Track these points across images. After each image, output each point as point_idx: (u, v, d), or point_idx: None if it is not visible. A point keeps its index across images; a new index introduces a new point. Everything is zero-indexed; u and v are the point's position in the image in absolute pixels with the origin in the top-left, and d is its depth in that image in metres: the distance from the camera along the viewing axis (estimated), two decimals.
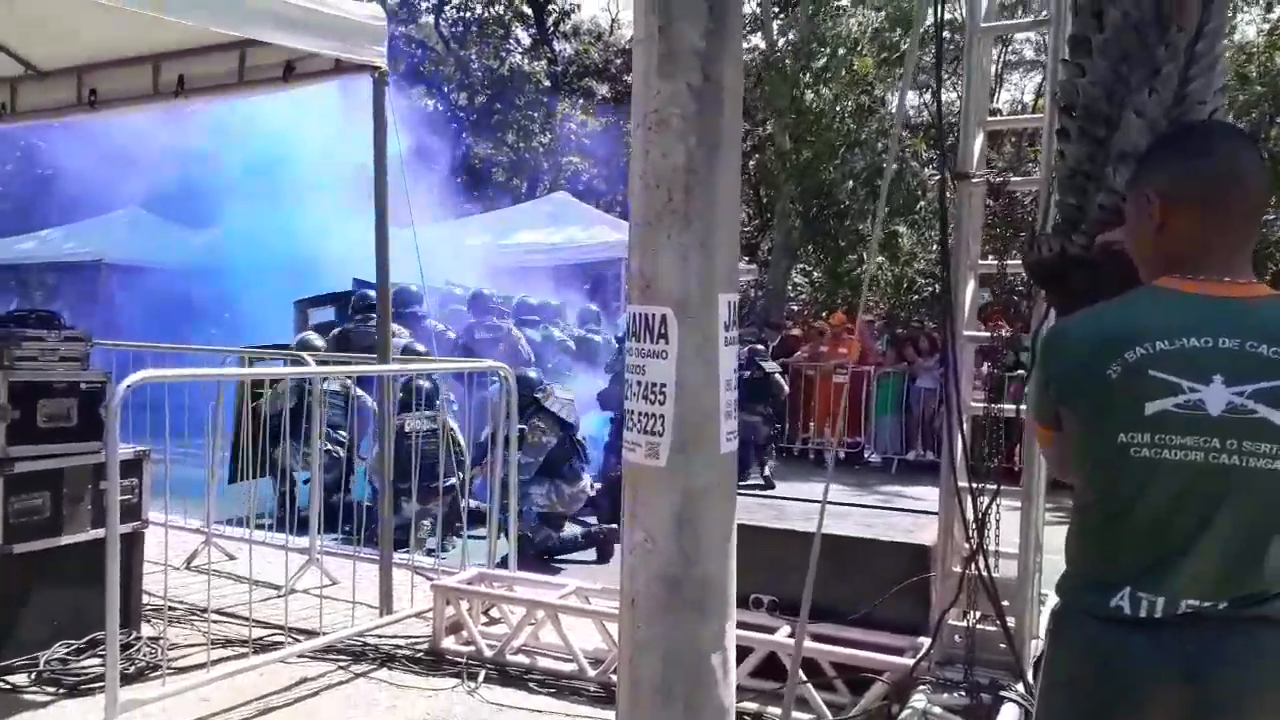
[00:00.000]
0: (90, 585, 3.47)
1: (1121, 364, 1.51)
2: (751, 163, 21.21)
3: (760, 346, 11.29)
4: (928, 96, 19.38)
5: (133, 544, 4.12)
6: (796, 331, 12.93)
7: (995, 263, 3.11)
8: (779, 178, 18.35)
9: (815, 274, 21.12)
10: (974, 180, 3.07)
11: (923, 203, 16.42)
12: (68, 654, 3.89)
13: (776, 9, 19.80)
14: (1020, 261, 2.42)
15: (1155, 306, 1.57)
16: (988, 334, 3.16)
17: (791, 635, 3.78)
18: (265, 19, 3.87)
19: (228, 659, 3.93)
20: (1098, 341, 1.56)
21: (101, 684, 3.28)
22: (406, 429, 5.53)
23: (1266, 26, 18.16)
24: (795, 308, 20.22)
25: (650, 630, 2.50)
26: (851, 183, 16.71)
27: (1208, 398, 1.47)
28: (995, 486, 3.04)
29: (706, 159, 2.40)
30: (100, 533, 3.66)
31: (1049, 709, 1.67)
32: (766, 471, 10.00)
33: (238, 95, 4.73)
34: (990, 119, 3.24)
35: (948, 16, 2.72)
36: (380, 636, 4.35)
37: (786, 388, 10.87)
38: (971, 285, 3.22)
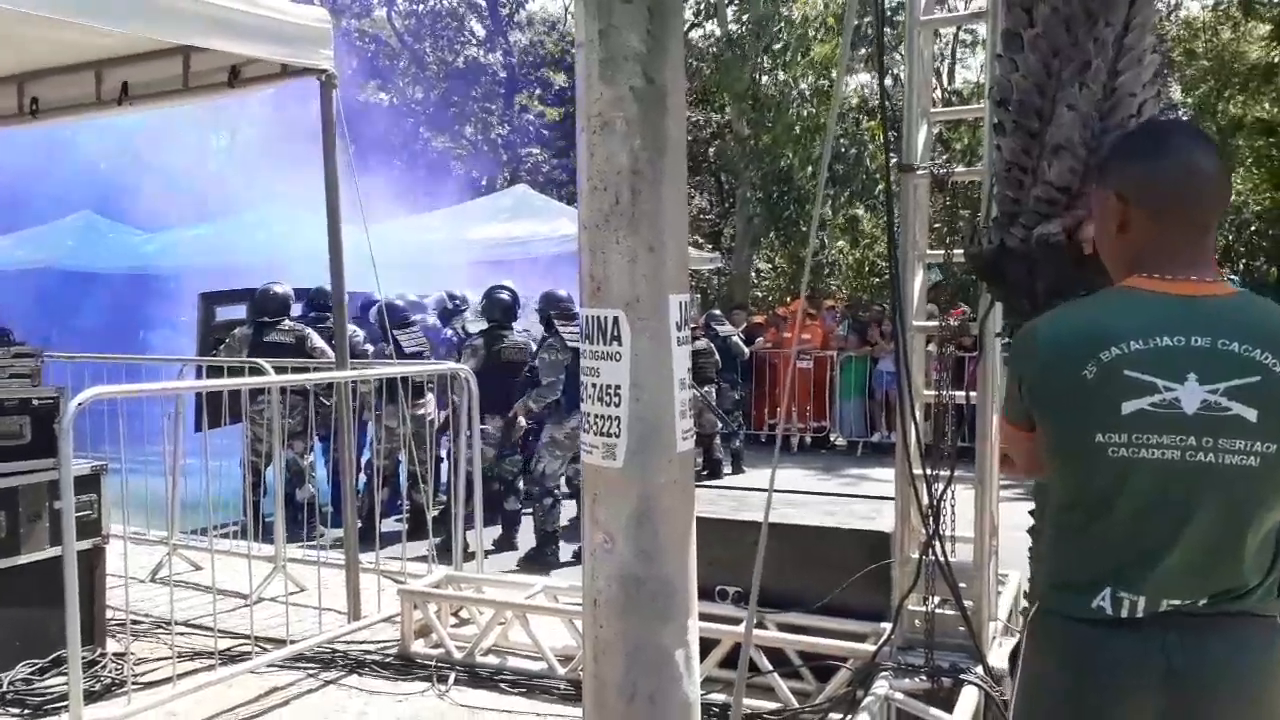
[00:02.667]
0: (52, 603, 3.44)
1: (1097, 364, 1.51)
2: (711, 149, 21.24)
3: (717, 313, 11.38)
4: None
5: (94, 560, 4.07)
6: (759, 318, 13.00)
7: (943, 253, 3.15)
8: (738, 164, 18.39)
9: (778, 259, 21.22)
10: (918, 172, 3.10)
11: (881, 186, 16.53)
12: (31, 674, 3.84)
13: None
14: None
15: (1127, 306, 1.57)
16: (936, 323, 3.20)
17: (756, 626, 3.82)
18: (207, 25, 3.82)
19: (195, 671, 3.91)
20: (1071, 342, 1.55)
21: (66, 703, 3.26)
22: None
23: (1211, 2, 18.41)
24: (759, 294, 20.32)
25: (612, 629, 2.52)
26: (811, 168, 16.75)
27: (1183, 396, 1.47)
28: (949, 473, 3.08)
29: (652, 161, 2.42)
30: (59, 550, 3.61)
31: (1031, 714, 1.68)
32: (736, 444, 10.07)
33: (183, 101, 4.67)
34: (934, 110, 3.28)
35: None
36: (349, 642, 4.34)
37: (746, 351, 10.95)
38: (920, 275, 3.26)
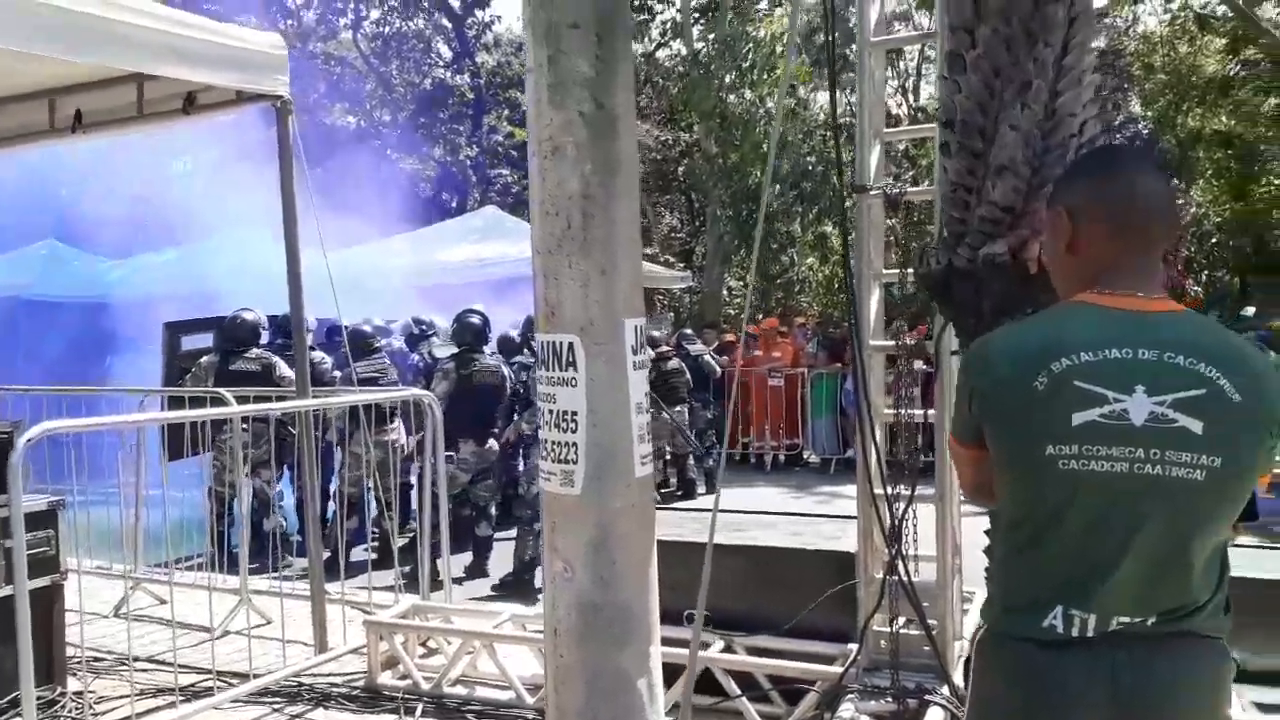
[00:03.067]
0: (8, 642, 3.36)
1: (1048, 375, 1.51)
2: (680, 168, 21.33)
3: (688, 331, 11.40)
4: (852, 96, 19.57)
5: (52, 596, 3.99)
6: (730, 336, 13.02)
7: (898, 272, 3.16)
8: (707, 182, 18.47)
9: (748, 277, 21.29)
10: (872, 192, 3.12)
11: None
12: None
13: (696, 15, 19.91)
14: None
15: (1077, 320, 1.58)
16: (894, 342, 3.21)
17: (725, 650, 3.81)
18: (160, 52, 3.78)
19: (157, 709, 3.83)
20: (1022, 355, 1.56)
21: None
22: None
23: (1167, 17, 18.75)
24: (731, 311, 20.37)
25: (572, 658, 2.50)
26: (778, 186, 16.85)
27: (1131, 408, 1.48)
28: (910, 491, 3.08)
29: (603, 185, 2.42)
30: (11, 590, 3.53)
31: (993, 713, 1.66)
32: (710, 463, 10.06)
33: (138, 129, 4.62)
34: (887, 130, 3.29)
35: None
36: (315, 675, 4.27)
37: (718, 369, 10.97)
38: (876, 295, 3.27)
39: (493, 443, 6.65)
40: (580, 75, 2.39)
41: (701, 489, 9.96)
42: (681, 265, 20.10)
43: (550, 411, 2.49)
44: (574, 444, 2.47)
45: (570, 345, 2.44)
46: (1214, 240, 17.83)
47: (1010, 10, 2.14)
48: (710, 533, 2.21)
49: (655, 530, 2.61)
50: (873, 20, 3.14)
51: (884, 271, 3.29)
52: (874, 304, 3.28)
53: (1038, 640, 1.54)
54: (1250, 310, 10.80)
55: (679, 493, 9.80)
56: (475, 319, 6.90)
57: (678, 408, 9.76)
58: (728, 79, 18.48)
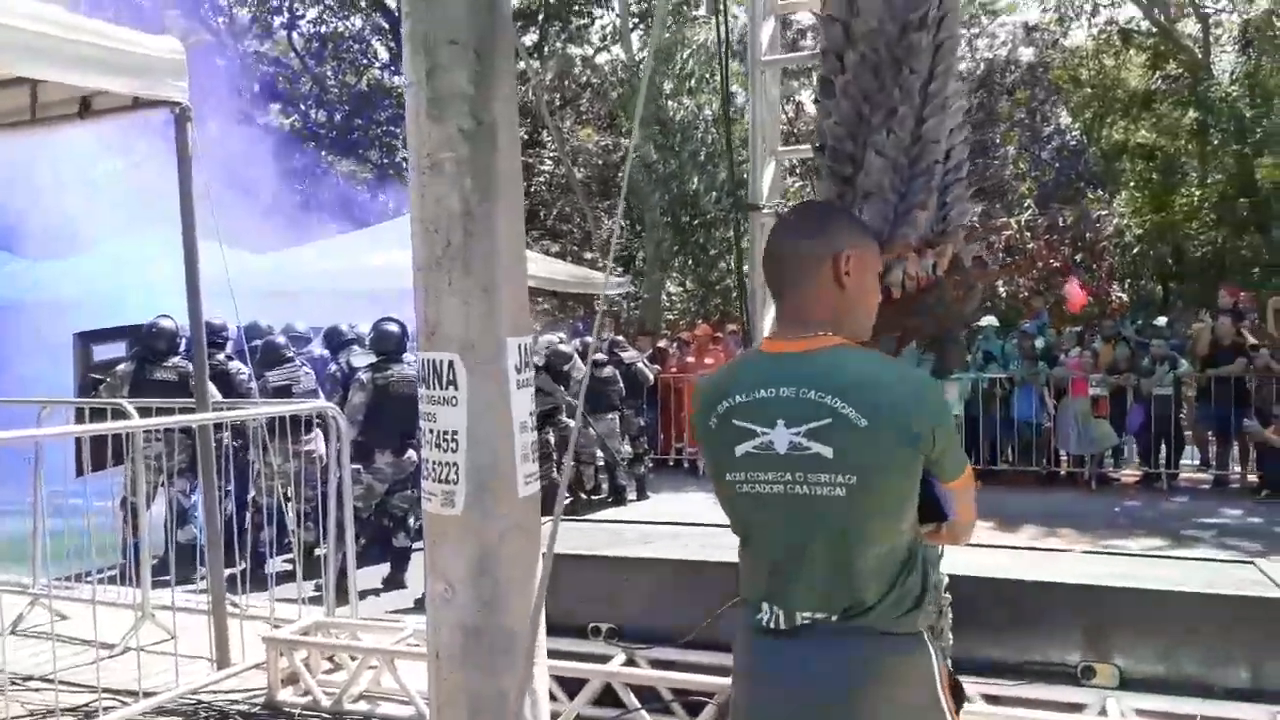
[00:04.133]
0: None
1: (717, 415, 1.79)
2: (620, 174, 21.36)
3: (620, 339, 11.42)
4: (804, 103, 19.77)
5: None
6: (663, 344, 13.06)
7: None
8: (645, 188, 18.51)
9: (687, 283, 21.39)
10: (764, 211, 3.14)
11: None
12: None
13: (636, 20, 19.94)
14: None
15: (744, 365, 1.88)
16: None
17: (627, 664, 3.80)
18: (49, 58, 3.67)
19: None
20: (704, 396, 1.85)
21: None
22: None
23: (1095, 31, 19.22)
24: (671, 317, 20.44)
25: (455, 680, 2.48)
26: (715, 193, 16.95)
27: (775, 439, 1.72)
28: None
29: (484, 202, 2.40)
30: None
31: (732, 699, 1.94)
32: (641, 470, 10.12)
33: (32, 132, 4.49)
34: (782, 149, 3.32)
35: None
36: (214, 693, 4.19)
37: (651, 376, 10.99)
38: (772, 310, 3.29)
39: (411, 453, 6.57)
40: (458, 90, 2.37)
41: (631, 495, 9.97)
42: (620, 270, 20.10)
43: (431, 431, 2.47)
44: (454, 464, 2.45)
45: (450, 364, 2.42)
46: (1135, 250, 18.29)
47: (877, 37, 2.16)
48: (550, 544, 2.22)
49: (541, 548, 2.59)
50: (765, 40, 3.16)
51: None
52: (769, 319, 3.30)
53: (756, 628, 1.79)
54: (1162, 320, 11.10)
55: (609, 499, 9.80)
56: (394, 327, 6.83)
57: (610, 414, 9.76)
58: (667, 86, 18.55)
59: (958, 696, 1.89)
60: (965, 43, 21.27)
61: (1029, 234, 18.22)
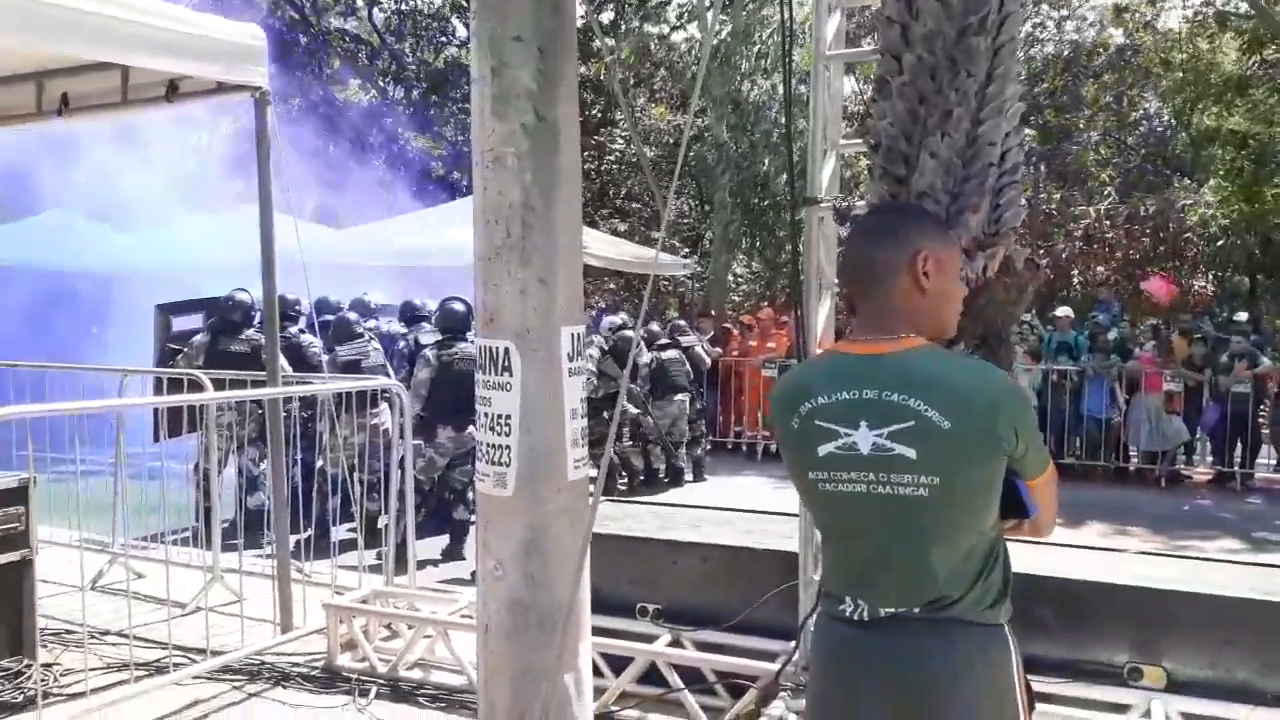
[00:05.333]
0: None
1: (799, 416, 1.82)
2: (691, 153, 21.30)
3: (681, 322, 11.48)
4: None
5: (22, 571, 4.10)
6: (727, 325, 13.07)
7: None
8: (715, 169, 18.45)
9: (754, 265, 21.31)
10: (822, 205, 3.16)
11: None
12: None
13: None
14: None
15: (824, 366, 1.91)
16: None
17: (672, 644, 3.88)
18: (141, 44, 3.86)
19: (121, 683, 3.93)
20: (784, 398, 1.88)
21: None
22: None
23: (1189, 13, 18.54)
24: (736, 298, 20.39)
25: (501, 654, 2.57)
26: (786, 174, 16.81)
27: (858, 440, 1.75)
28: None
29: (543, 196, 2.47)
30: None
31: (809, 685, 2.02)
32: (699, 453, 10.17)
33: (122, 113, 4.70)
34: (844, 142, 3.32)
35: None
36: (279, 655, 4.38)
37: (708, 359, 11.04)
38: (826, 305, 3.32)
39: (472, 429, 6.71)
40: (522, 88, 2.44)
41: (688, 477, 10.05)
42: (687, 251, 20.10)
43: (486, 414, 2.56)
44: (507, 447, 2.54)
45: (506, 350, 2.50)
46: (1221, 242, 17.67)
47: (935, 39, 2.17)
48: (589, 524, 2.31)
49: (590, 531, 2.66)
50: (830, 33, 3.17)
51: (835, 282, 3.34)
52: (823, 313, 3.33)
53: (840, 619, 1.84)
54: (1243, 315, 10.75)
55: (665, 479, 9.90)
56: (459, 306, 6.97)
57: (679, 396, 9.84)
58: (744, 65, 18.41)
59: (1031, 697, 1.90)
60: (1054, 24, 20.73)
61: (1108, 223, 17.76)
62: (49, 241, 13.76)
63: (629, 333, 9.40)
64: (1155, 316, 13.86)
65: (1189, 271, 18.20)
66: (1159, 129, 20.48)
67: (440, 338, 7.00)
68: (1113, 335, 10.76)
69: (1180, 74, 19.01)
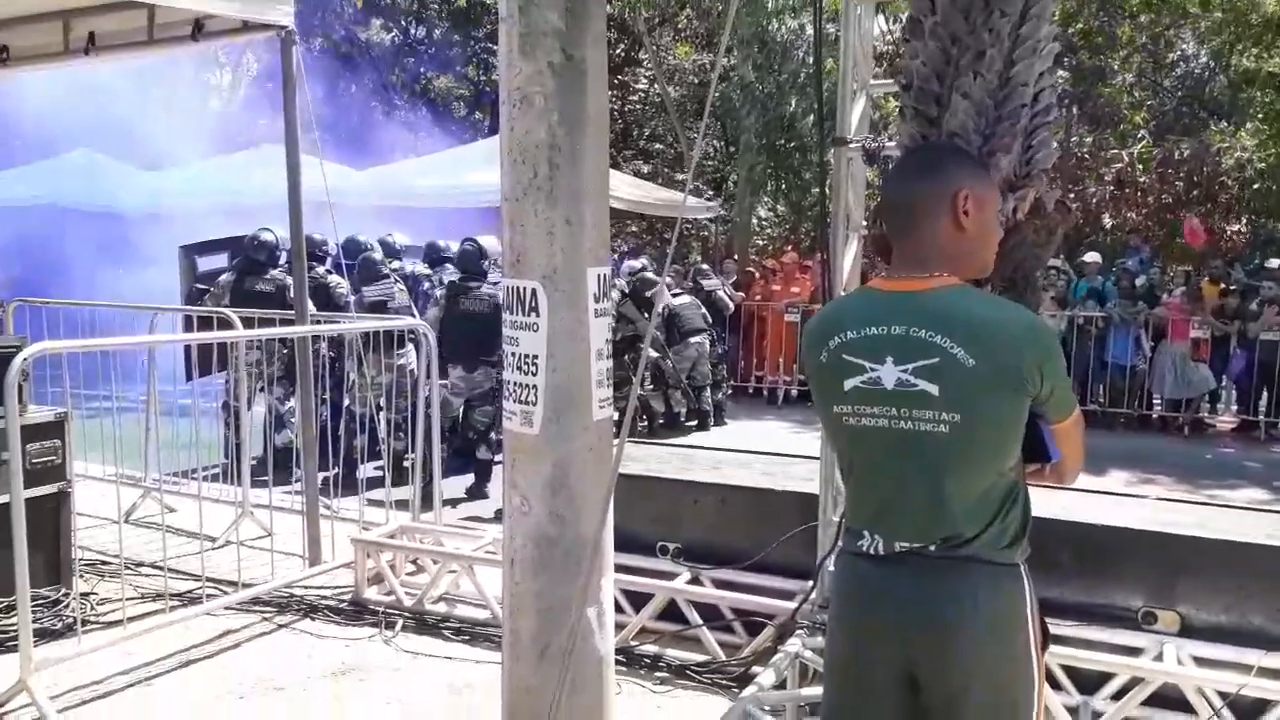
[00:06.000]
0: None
1: (827, 350, 1.84)
2: (715, 94, 21.01)
3: (705, 266, 11.45)
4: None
5: (59, 503, 4.21)
6: (750, 269, 13.01)
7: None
8: (741, 110, 18.21)
9: (779, 208, 21.11)
10: (851, 145, 3.14)
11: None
12: None
13: None
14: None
15: (855, 302, 1.96)
16: None
17: (691, 582, 3.95)
18: None
19: (155, 613, 4.05)
20: (815, 332, 1.90)
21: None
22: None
23: None
24: (760, 242, 20.25)
25: (526, 587, 2.64)
26: (812, 117, 16.58)
27: (883, 375, 1.77)
28: None
29: (570, 136, 2.47)
30: (29, 493, 3.71)
31: (829, 619, 2.03)
32: (719, 397, 10.23)
33: (148, 53, 4.70)
34: (874, 83, 3.29)
35: None
36: (307, 588, 4.49)
37: (730, 304, 11.04)
38: (854, 248, 3.31)
39: (484, 369, 6.77)
40: (550, 26, 2.42)
41: (713, 421, 10.11)
42: (711, 194, 19.93)
43: (513, 354, 2.59)
44: (534, 386, 2.57)
45: (533, 291, 2.52)
46: (1256, 186, 17.32)
47: None
48: (615, 463, 2.34)
49: (617, 470, 2.70)
50: None
51: (863, 224, 3.33)
52: (850, 256, 3.32)
53: (859, 554, 1.87)
54: (1275, 262, 10.56)
55: (692, 423, 9.95)
56: (471, 246, 7.00)
57: (697, 338, 9.82)
58: (770, 4, 18.05)
59: (1046, 636, 1.91)
60: None
61: (1141, 166, 17.44)
62: (77, 180, 13.85)
63: (650, 274, 9.39)
64: (1187, 261, 13.66)
65: (1223, 216, 17.87)
66: (1196, 71, 19.98)
67: (454, 278, 7.05)
68: (1140, 281, 10.63)
69: (1219, 14, 18.46)
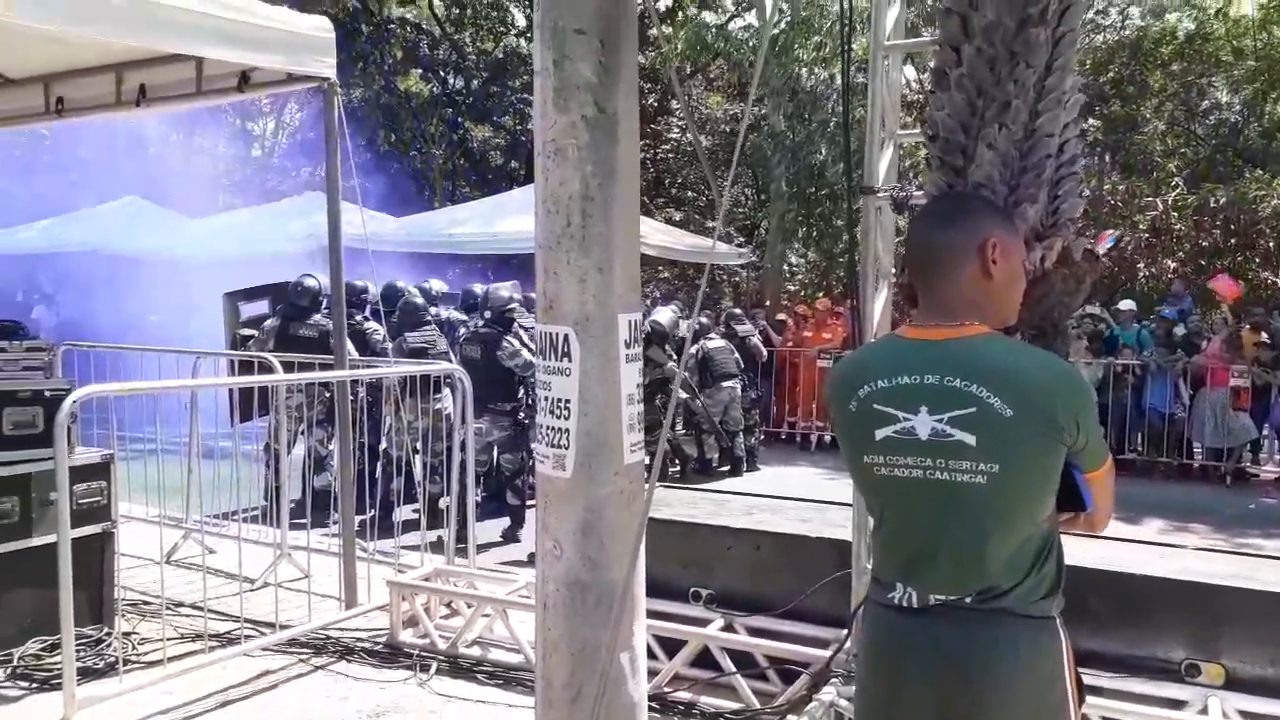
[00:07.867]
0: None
1: (856, 399, 1.83)
2: (746, 143, 21.20)
3: (738, 311, 11.47)
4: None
5: (103, 543, 4.29)
6: (782, 316, 13.04)
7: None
8: (772, 158, 18.35)
9: (810, 255, 21.16)
10: (879, 194, 3.18)
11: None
12: (41, 650, 4.06)
13: None
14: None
15: (884, 350, 1.95)
16: None
17: (725, 629, 3.94)
18: (215, 37, 4.01)
19: (194, 653, 4.10)
20: (842, 381, 1.90)
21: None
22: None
23: (1262, 0, 17.96)
24: (792, 288, 20.29)
25: (559, 631, 2.65)
26: (842, 165, 16.66)
27: (917, 425, 1.76)
28: None
29: (602, 186, 2.53)
30: (75, 533, 3.79)
31: (856, 672, 2.04)
32: (752, 442, 10.18)
33: (196, 103, 4.86)
34: (901, 132, 3.34)
35: None
36: (343, 630, 4.52)
37: (764, 352, 11.05)
38: (883, 296, 3.34)
39: (492, 418, 6.82)
40: (584, 80, 2.49)
41: (746, 466, 10.07)
42: (742, 241, 20.04)
43: (546, 398, 2.63)
44: (566, 430, 2.60)
45: (566, 337, 2.56)
46: None
47: (994, 31, 2.18)
48: (645, 507, 2.35)
49: (646, 513, 2.72)
50: (890, 23, 3.18)
51: (892, 271, 3.35)
52: (880, 303, 3.34)
53: (889, 606, 1.84)
54: None
55: (724, 469, 9.92)
56: (477, 289, 7.13)
57: (728, 383, 9.82)
58: (801, 54, 18.26)
59: (1081, 689, 1.88)
60: (1117, 12, 20.24)
61: (1176, 214, 17.32)
62: (125, 227, 14.21)
63: (661, 317, 9.34)
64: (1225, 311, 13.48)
65: (1262, 264, 17.67)
66: (1230, 120, 19.88)
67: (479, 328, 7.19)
68: (1179, 331, 10.52)
69: (1252, 63, 18.42)
